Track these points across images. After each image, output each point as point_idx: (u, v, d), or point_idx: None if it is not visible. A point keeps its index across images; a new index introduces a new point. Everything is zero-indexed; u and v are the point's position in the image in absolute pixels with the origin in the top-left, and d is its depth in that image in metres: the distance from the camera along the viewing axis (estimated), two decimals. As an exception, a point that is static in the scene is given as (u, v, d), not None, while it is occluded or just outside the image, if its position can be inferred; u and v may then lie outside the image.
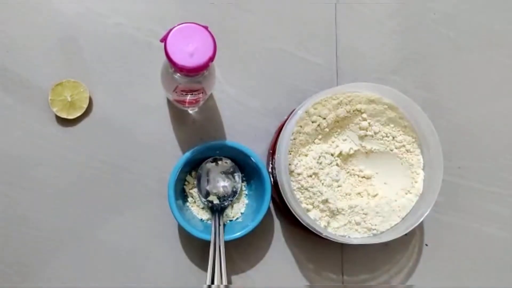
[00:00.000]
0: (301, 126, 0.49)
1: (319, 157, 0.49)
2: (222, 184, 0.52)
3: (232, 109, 0.55)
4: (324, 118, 0.49)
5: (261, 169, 0.49)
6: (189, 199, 0.53)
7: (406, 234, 0.48)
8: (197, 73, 0.39)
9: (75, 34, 0.54)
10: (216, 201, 0.51)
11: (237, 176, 0.52)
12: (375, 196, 0.50)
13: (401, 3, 0.59)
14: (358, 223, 0.49)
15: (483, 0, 0.59)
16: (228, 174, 0.52)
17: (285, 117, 0.51)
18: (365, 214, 0.49)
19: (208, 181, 0.52)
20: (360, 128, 0.51)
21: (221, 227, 0.49)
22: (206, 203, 0.51)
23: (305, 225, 0.46)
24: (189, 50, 0.37)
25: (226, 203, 0.51)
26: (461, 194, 0.55)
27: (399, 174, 0.51)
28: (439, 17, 0.59)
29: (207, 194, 0.51)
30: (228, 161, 0.52)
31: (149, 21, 0.55)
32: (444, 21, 0.59)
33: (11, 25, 0.54)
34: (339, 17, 0.57)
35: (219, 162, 0.52)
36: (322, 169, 0.49)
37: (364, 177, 0.51)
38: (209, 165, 0.52)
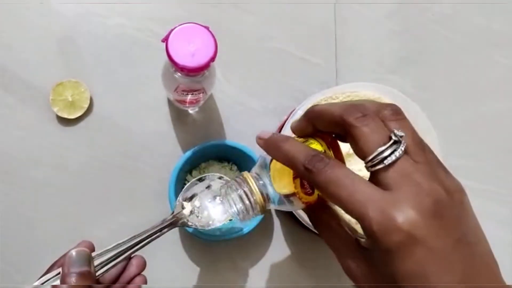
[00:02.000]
0: (301, 126, 0.49)
1: (319, 156, 0.49)
2: (209, 209, 0.38)
3: (232, 109, 0.55)
4: (324, 118, 0.49)
5: (261, 168, 0.49)
6: (190, 198, 0.52)
7: (405, 233, 0.48)
8: (198, 73, 0.39)
9: (75, 34, 0.55)
10: (186, 211, 0.37)
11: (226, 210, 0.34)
12: (374, 195, 0.51)
13: (399, 3, 0.59)
14: (357, 222, 0.49)
15: (481, 0, 0.60)
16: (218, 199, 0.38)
17: (285, 117, 0.51)
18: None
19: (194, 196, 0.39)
20: (360, 128, 0.51)
21: (159, 232, 0.35)
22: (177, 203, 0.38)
23: (304, 224, 0.46)
24: (190, 50, 0.37)
25: (189, 223, 0.37)
26: (460, 193, 0.56)
27: (398, 173, 0.51)
28: (438, 17, 0.59)
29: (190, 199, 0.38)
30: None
31: (150, 22, 0.55)
32: (442, 22, 0.59)
33: (12, 25, 0.54)
34: (338, 17, 0.58)
35: (212, 184, 0.39)
36: (321, 168, 0.49)
37: (363, 176, 0.51)
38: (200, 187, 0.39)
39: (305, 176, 0.25)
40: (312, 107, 0.29)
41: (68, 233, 0.52)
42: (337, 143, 0.30)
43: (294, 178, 0.28)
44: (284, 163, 0.27)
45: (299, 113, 0.48)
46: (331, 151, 0.29)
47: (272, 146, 0.28)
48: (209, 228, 0.37)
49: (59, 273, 0.33)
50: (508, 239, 0.56)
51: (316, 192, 0.28)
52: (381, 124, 0.25)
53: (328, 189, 0.24)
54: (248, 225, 0.49)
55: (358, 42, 0.58)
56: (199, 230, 0.48)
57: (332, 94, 0.50)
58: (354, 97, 0.50)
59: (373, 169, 0.24)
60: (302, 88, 0.56)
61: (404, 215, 0.22)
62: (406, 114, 0.28)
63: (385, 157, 0.23)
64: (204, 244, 0.53)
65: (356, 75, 0.57)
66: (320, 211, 0.29)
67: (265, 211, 0.31)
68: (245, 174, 0.30)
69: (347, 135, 0.26)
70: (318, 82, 0.56)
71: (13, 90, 0.53)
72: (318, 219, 0.29)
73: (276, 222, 0.54)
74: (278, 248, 0.54)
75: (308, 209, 0.30)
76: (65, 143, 0.53)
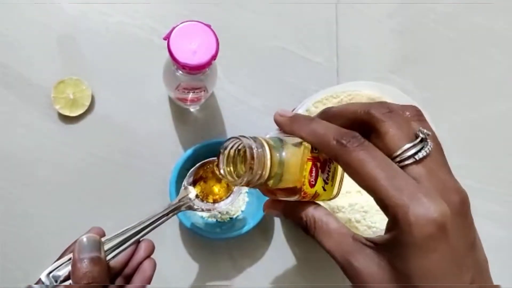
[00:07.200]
0: (302, 125, 0.49)
1: (320, 155, 0.49)
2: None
3: (233, 107, 0.55)
4: (325, 117, 0.50)
5: (262, 167, 0.49)
6: (190, 196, 0.52)
7: (405, 232, 0.48)
8: (200, 71, 0.39)
9: (77, 32, 0.55)
10: (192, 195, 0.39)
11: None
12: (375, 194, 0.51)
13: (401, 3, 0.59)
14: (358, 221, 0.49)
15: (482, 0, 0.60)
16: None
17: (286, 116, 0.51)
18: (365, 212, 0.49)
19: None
20: (360, 127, 0.51)
21: (166, 216, 0.37)
22: (185, 186, 0.40)
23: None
24: (192, 48, 0.37)
25: (195, 207, 0.39)
26: (460, 193, 0.56)
27: (398, 172, 0.51)
28: (439, 17, 0.59)
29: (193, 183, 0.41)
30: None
31: (151, 20, 0.55)
32: (444, 21, 0.59)
33: (13, 23, 0.54)
34: (339, 17, 0.58)
35: None
36: (322, 167, 0.49)
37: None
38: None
39: (334, 151, 0.25)
40: (328, 108, 0.29)
41: (69, 230, 0.52)
42: (319, 170, 0.28)
43: (309, 159, 0.27)
44: (310, 140, 0.27)
45: (300, 111, 0.48)
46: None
47: (298, 122, 0.28)
48: (215, 211, 0.39)
49: (70, 258, 0.33)
50: (508, 239, 0.56)
51: (315, 188, 0.27)
52: (406, 121, 0.26)
53: (362, 169, 0.23)
54: (249, 224, 0.49)
55: (359, 41, 0.58)
56: (199, 227, 0.49)
57: (333, 93, 0.50)
58: (355, 96, 0.50)
59: (403, 163, 0.24)
60: (303, 87, 0.56)
61: (439, 207, 0.22)
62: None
63: (415, 153, 0.24)
64: (205, 242, 0.53)
65: (357, 74, 0.57)
66: (315, 206, 0.29)
67: (263, 182, 0.28)
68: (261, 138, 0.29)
69: (373, 129, 0.26)
70: (319, 81, 0.56)
71: (14, 88, 0.53)
72: (310, 217, 0.29)
73: (277, 221, 0.55)
74: (278, 247, 0.54)
75: (298, 203, 0.29)
76: (67, 141, 0.53)
